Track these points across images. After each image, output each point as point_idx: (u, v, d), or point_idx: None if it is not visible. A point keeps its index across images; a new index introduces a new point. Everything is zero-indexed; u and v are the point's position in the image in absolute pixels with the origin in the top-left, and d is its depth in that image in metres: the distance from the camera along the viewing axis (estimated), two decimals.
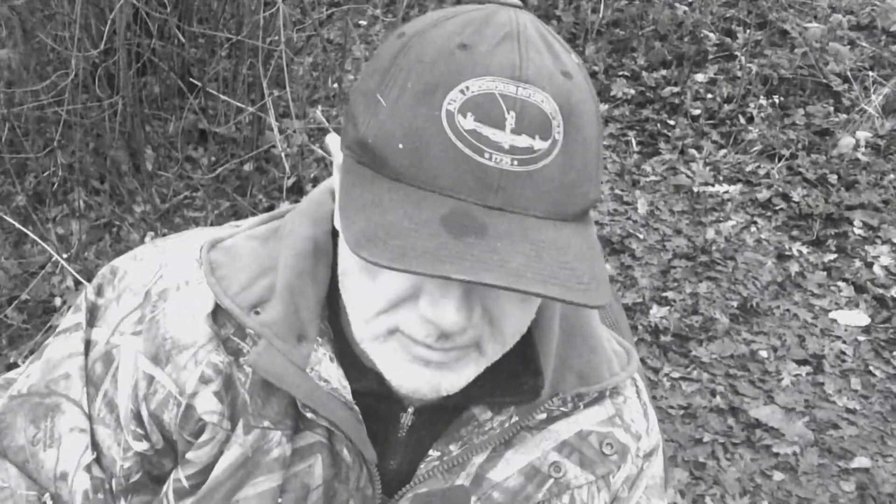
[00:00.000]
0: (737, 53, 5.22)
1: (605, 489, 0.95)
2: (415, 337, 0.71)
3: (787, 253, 3.91)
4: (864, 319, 3.53)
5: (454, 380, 0.75)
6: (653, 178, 4.49)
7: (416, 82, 0.66)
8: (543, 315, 0.89)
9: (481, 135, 0.64)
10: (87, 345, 0.88)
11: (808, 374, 3.25)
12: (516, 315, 0.76)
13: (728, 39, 5.38)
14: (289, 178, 3.52)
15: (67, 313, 0.92)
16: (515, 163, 0.64)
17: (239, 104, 3.61)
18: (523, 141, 0.64)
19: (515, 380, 0.89)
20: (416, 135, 0.64)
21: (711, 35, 5.37)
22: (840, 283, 3.74)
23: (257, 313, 0.80)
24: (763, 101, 4.90)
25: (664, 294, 3.65)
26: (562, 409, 0.92)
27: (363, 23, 5.28)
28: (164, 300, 0.85)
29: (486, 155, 0.63)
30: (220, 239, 0.87)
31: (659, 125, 4.89)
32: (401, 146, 0.65)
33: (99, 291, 0.90)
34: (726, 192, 4.34)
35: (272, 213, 0.94)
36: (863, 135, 4.54)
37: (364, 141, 0.68)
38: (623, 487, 0.98)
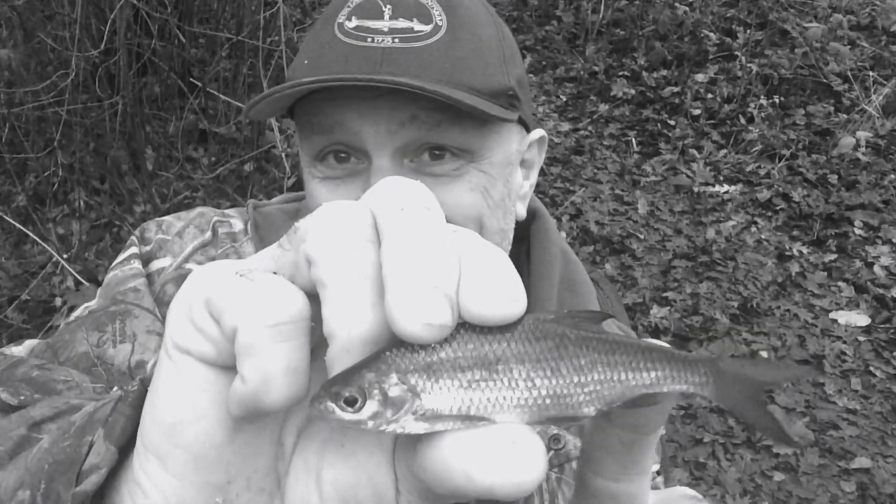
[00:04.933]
0: (737, 53, 5.22)
1: None
2: None
3: (787, 253, 3.91)
4: (865, 320, 3.53)
5: None
6: (653, 178, 4.49)
7: (319, 19, 0.82)
8: (540, 298, 0.93)
9: (363, 27, 0.77)
10: (149, 278, 0.91)
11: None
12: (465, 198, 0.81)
13: (728, 39, 5.38)
14: (289, 178, 3.52)
15: (119, 255, 0.96)
16: (397, 40, 0.76)
17: (239, 104, 3.61)
18: (402, 23, 0.76)
19: None
20: (317, 49, 0.79)
21: (711, 35, 5.37)
22: (840, 284, 3.74)
23: None
24: (763, 101, 4.90)
25: (664, 294, 3.65)
26: None
27: None
28: (236, 241, 0.94)
29: (369, 39, 0.76)
30: (263, 204, 0.99)
31: (659, 125, 4.89)
32: (306, 62, 0.79)
33: (142, 240, 0.94)
34: (726, 192, 4.34)
35: (299, 192, 1.03)
36: (863, 135, 4.54)
37: (285, 79, 0.81)
38: None
